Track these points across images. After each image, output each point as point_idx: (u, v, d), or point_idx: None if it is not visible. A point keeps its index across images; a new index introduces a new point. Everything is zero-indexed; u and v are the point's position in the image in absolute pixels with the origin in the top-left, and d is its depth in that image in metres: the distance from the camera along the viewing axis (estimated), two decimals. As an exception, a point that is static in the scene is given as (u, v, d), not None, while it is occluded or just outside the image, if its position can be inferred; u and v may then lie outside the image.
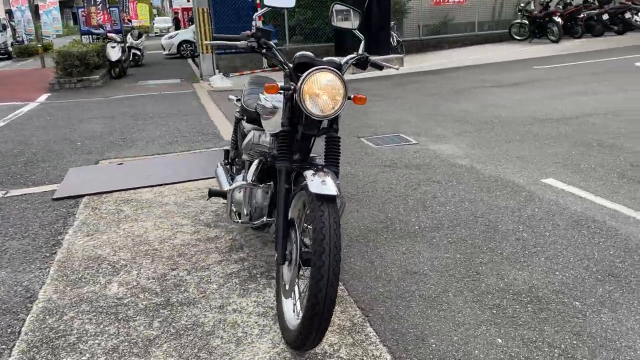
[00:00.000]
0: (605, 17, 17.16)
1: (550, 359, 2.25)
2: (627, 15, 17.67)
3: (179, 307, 2.72)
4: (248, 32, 2.61)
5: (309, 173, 2.19)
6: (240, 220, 2.83)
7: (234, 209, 2.87)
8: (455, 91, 9.03)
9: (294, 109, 2.39)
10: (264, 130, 2.80)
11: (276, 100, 2.58)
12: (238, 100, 3.70)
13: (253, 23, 2.91)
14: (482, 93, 8.62)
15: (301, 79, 2.26)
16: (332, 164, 2.39)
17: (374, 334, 2.42)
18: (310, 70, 2.27)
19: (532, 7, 17.09)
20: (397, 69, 2.88)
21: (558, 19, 16.03)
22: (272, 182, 2.77)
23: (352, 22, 2.74)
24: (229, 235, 3.58)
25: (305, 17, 14.55)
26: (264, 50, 2.54)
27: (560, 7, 17.51)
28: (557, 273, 2.93)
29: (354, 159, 5.32)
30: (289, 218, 2.36)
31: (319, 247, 2.00)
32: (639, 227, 3.46)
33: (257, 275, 3.02)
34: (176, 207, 4.15)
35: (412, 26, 15.84)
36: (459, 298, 2.72)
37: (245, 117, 3.37)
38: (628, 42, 14.65)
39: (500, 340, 2.37)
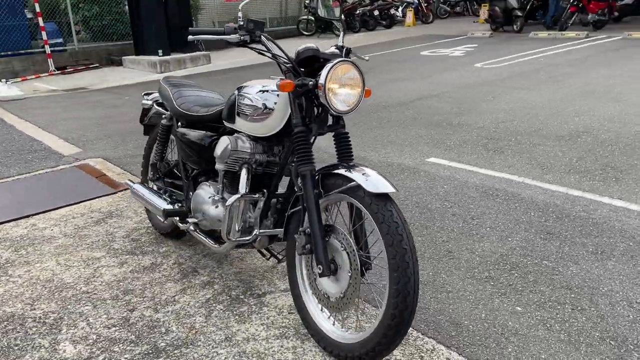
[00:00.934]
0: (376, 13, 19.13)
1: (567, 314, 2.47)
2: (392, 11, 19.98)
3: (176, 351, 2.28)
4: (232, 24, 2.29)
5: (356, 174, 2.02)
6: (233, 239, 2.47)
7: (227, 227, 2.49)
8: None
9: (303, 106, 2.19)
10: (236, 135, 2.49)
11: (266, 99, 2.31)
12: (160, 104, 3.22)
13: (239, 14, 2.53)
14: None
15: (325, 73, 2.07)
16: (349, 159, 2.24)
17: (411, 329, 2.36)
18: (333, 63, 2.09)
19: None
20: (367, 59, 2.80)
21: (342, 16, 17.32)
22: (263, 191, 2.48)
23: (335, 12, 2.59)
24: (170, 260, 3.11)
25: (91, 13, 13.18)
26: (258, 45, 2.27)
27: (338, 3, 18.99)
28: (509, 239, 3.22)
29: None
30: (329, 225, 2.15)
31: (400, 249, 1.87)
32: (532, 190, 3.97)
33: (241, 296, 2.69)
34: (72, 240, 3.45)
35: (207, 22, 15.55)
36: (454, 278, 2.81)
37: (180, 123, 2.96)
38: (399, 34, 16.54)
39: (519, 308, 2.52)
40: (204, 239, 2.71)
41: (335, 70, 2.09)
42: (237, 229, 2.44)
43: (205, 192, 2.70)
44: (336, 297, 2.14)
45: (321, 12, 2.53)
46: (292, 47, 2.25)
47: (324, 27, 17.56)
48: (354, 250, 2.04)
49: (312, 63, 2.24)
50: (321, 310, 2.30)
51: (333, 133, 2.29)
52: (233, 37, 2.26)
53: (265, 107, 2.31)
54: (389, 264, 1.89)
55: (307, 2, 17.77)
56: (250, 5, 16.75)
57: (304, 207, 2.22)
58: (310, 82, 2.12)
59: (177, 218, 2.91)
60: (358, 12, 18.55)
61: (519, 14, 14.64)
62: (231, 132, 2.59)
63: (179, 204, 3.00)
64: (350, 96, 2.15)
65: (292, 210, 2.33)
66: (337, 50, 2.31)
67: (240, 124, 2.45)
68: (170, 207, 2.97)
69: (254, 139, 2.47)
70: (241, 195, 2.40)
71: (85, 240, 3.43)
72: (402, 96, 7.52)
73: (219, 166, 2.54)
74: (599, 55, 10.07)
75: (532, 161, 4.59)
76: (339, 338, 2.15)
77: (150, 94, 3.47)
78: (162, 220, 3.20)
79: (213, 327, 2.45)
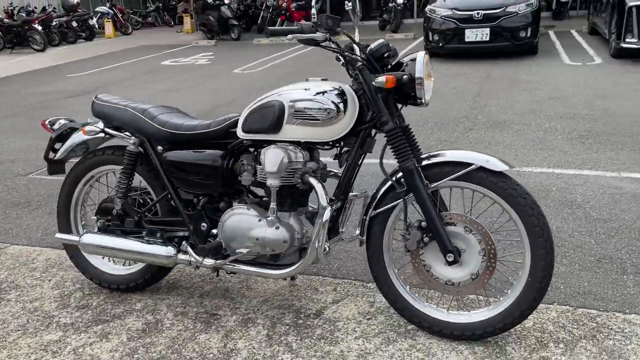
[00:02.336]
0: (75, 24, 17.53)
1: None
2: (91, 22, 18.62)
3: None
4: (303, 22, 2.09)
5: (470, 157, 2.12)
6: (322, 255, 2.23)
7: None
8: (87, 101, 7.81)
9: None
10: (281, 146, 2.27)
11: (335, 101, 2.19)
12: (117, 129, 2.59)
13: (313, 11, 2.17)
14: (73, 104, 7.84)
15: (420, 66, 2.12)
16: (418, 151, 2.31)
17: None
18: (422, 54, 2.15)
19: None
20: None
21: (39, 27, 15.32)
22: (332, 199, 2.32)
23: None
24: (166, 313, 2.57)
25: None
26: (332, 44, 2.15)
27: (24, 14, 16.71)
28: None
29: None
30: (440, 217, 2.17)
31: (540, 216, 2.06)
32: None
33: (299, 321, 2.44)
34: (19, 291, 2.51)
35: None
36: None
37: (160, 147, 2.49)
38: (111, 46, 15.63)
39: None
40: (259, 269, 2.37)
41: (425, 62, 2.15)
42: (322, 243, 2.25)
43: (248, 215, 2.35)
44: (465, 280, 2.20)
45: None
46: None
47: (16, 40, 15.28)
48: (485, 230, 2.14)
49: (382, 58, 2.23)
50: (425, 302, 2.32)
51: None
52: (319, 36, 2.10)
53: (338, 109, 2.18)
54: (532, 232, 2.07)
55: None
56: None
57: (405, 204, 2.21)
58: (405, 76, 2.12)
59: (198, 257, 2.44)
60: (55, 23, 16.71)
61: (235, 22, 15.43)
62: (237, 147, 2.39)
63: (188, 241, 2.51)
64: (431, 86, 2.23)
65: (376, 212, 2.27)
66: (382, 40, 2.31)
67: (294, 132, 2.24)
68: (182, 248, 2.48)
69: (305, 147, 2.30)
70: (331, 206, 2.21)
71: (12, 325, 2.53)
72: (206, 104, 7.29)
73: (272, 182, 2.27)
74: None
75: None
76: (467, 319, 2.22)
77: (59, 120, 2.75)
78: (166, 264, 2.57)
79: (315, 358, 2.20)
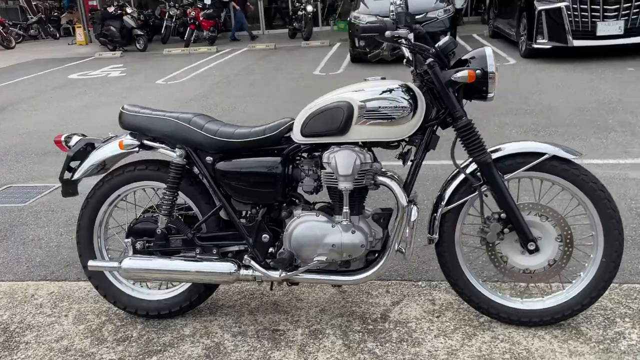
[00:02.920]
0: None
1: None
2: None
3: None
4: (387, 18, 2.06)
5: (542, 147, 2.19)
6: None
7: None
8: None
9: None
10: (348, 147, 2.22)
11: (407, 98, 2.18)
12: (154, 140, 2.37)
13: (392, 7, 2.05)
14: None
15: (492, 61, 2.16)
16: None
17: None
18: (488, 49, 2.20)
19: None
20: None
21: None
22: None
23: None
24: (222, 335, 2.39)
25: None
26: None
27: None
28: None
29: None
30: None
31: (611, 200, 2.17)
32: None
33: (369, 327, 2.38)
34: (35, 331, 2.19)
35: None
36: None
37: (208, 158, 2.33)
38: (10, 59, 14.30)
39: None
40: (333, 277, 2.27)
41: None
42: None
43: (319, 222, 2.25)
44: (543, 267, 2.26)
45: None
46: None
47: None
48: (560, 216, 2.22)
49: (447, 55, 2.25)
50: (499, 293, 2.36)
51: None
52: (403, 32, 2.08)
53: (411, 106, 2.17)
54: (605, 216, 2.18)
55: None
56: None
57: (481, 197, 2.23)
58: (478, 71, 2.15)
59: (266, 270, 2.29)
60: None
61: (140, 32, 14.74)
62: (284, 153, 2.30)
63: (246, 254, 2.34)
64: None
65: (448, 208, 2.27)
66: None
67: (363, 132, 2.19)
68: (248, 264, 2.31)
69: (369, 148, 2.26)
70: (415, 205, 2.18)
71: (56, 330, 2.22)
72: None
73: (346, 185, 2.20)
74: (264, 59, 11.41)
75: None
76: (542, 306, 2.29)
77: (73, 136, 2.49)
78: (227, 281, 2.37)
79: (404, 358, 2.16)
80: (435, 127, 2.27)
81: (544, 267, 2.26)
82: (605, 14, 8.09)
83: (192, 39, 14.75)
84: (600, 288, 2.23)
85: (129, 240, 2.43)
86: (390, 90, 2.19)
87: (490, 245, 2.28)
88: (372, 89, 2.21)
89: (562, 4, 8.15)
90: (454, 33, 9.56)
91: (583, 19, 8.15)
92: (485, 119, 5.73)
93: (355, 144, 2.24)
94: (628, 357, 2.11)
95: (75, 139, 2.47)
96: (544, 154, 2.18)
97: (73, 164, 2.47)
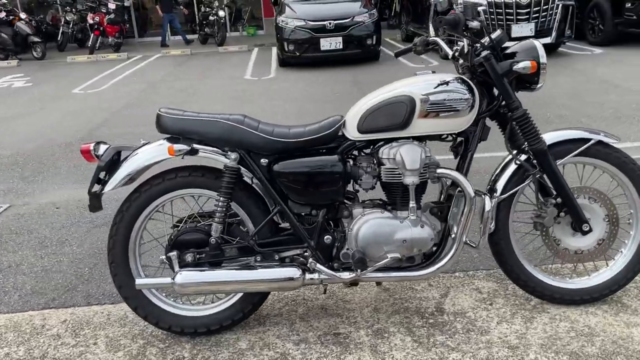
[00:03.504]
0: None
1: None
2: None
3: None
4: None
5: (587, 135, 2.31)
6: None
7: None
8: None
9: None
10: (407, 142, 2.22)
11: (465, 90, 2.21)
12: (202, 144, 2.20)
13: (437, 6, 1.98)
14: None
15: (541, 51, 2.25)
16: None
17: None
18: (536, 41, 2.29)
19: None
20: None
21: None
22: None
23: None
24: (291, 345, 2.27)
25: None
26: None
27: None
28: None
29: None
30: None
31: None
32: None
33: (431, 319, 2.38)
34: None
35: None
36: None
37: (263, 160, 2.22)
38: None
39: None
40: (402, 273, 2.24)
41: None
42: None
43: (386, 218, 2.21)
44: (593, 247, 2.38)
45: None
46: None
47: None
48: (608, 198, 2.35)
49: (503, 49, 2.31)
50: (550, 275, 2.46)
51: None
52: (475, 24, 2.11)
53: (472, 98, 2.20)
54: None
55: None
56: None
57: (537, 184, 2.32)
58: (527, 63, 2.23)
59: (335, 273, 2.21)
60: None
61: (37, 39, 13.61)
62: (338, 150, 2.26)
63: (312, 257, 2.24)
64: None
65: (502, 197, 2.33)
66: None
67: (425, 126, 2.20)
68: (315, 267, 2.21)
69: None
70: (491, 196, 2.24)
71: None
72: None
73: (413, 179, 2.18)
74: (184, 65, 10.99)
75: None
76: (588, 284, 2.41)
77: (100, 144, 2.26)
78: (293, 287, 2.24)
79: (483, 350, 2.17)
80: (486, 118, 2.32)
81: (594, 246, 2.39)
82: (518, 17, 8.74)
83: (97, 45, 13.89)
84: None
85: (174, 253, 2.23)
86: (447, 83, 2.20)
87: (545, 229, 2.37)
88: (428, 82, 2.22)
89: (480, 8, 8.67)
90: (379, 38, 9.83)
91: (499, 22, 8.73)
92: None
93: (410, 138, 2.23)
94: (677, 323, 2.29)
95: (102, 147, 2.24)
96: (590, 139, 2.31)
97: (102, 175, 2.23)
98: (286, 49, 9.50)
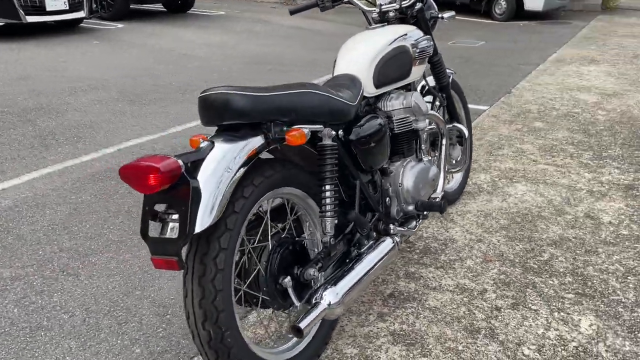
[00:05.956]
0: None
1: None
2: None
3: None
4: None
5: None
6: None
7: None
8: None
9: None
10: (411, 94, 2.30)
11: (427, 38, 2.40)
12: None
13: None
14: None
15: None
16: None
17: None
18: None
19: None
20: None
21: None
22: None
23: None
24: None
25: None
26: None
27: None
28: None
29: None
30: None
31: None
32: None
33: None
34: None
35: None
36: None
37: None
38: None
39: None
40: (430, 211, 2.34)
41: None
42: None
43: (419, 164, 2.33)
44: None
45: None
46: None
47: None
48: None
49: None
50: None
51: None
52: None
53: (433, 43, 2.45)
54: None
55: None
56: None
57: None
58: None
59: (406, 228, 2.22)
60: None
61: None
62: (365, 109, 2.21)
63: (391, 222, 2.11)
64: None
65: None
66: None
67: (417, 73, 2.36)
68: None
69: None
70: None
71: None
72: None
73: (424, 124, 2.31)
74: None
75: None
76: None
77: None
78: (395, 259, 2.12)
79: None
80: None
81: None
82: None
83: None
84: None
85: (287, 280, 1.70)
86: (410, 32, 2.31)
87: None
88: (401, 33, 2.26)
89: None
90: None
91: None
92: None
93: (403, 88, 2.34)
94: None
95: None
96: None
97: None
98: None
